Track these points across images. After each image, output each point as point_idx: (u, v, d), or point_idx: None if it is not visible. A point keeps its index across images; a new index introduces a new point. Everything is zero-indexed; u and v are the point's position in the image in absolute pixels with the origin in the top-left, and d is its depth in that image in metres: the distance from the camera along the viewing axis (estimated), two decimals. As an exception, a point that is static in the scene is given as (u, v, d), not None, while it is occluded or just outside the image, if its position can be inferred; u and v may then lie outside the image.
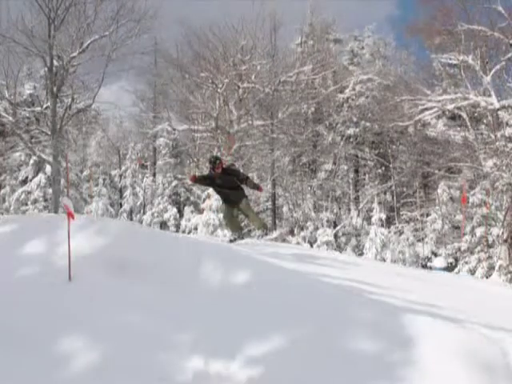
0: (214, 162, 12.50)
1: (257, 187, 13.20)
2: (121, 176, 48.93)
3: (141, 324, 5.56)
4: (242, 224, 14.04)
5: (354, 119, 41.92)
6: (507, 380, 4.53)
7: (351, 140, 42.32)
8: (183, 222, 36.13)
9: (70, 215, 6.47)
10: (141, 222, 39.70)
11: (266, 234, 12.50)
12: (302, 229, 36.73)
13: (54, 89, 25.96)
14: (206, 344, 5.22)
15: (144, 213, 43.05)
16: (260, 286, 6.19)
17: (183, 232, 33.34)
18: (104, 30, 26.58)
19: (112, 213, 43.99)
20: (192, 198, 39.78)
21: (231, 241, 12.49)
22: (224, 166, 12.84)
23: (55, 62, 26.05)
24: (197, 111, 37.05)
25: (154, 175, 46.19)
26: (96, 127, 49.97)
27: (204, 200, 33.30)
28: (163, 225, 39.14)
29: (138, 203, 45.80)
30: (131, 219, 43.77)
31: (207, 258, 6.80)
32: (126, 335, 5.35)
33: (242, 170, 13.86)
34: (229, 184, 12.55)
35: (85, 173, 48.16)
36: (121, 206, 47.06)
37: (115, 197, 49.37)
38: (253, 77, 35.47)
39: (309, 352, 5.10)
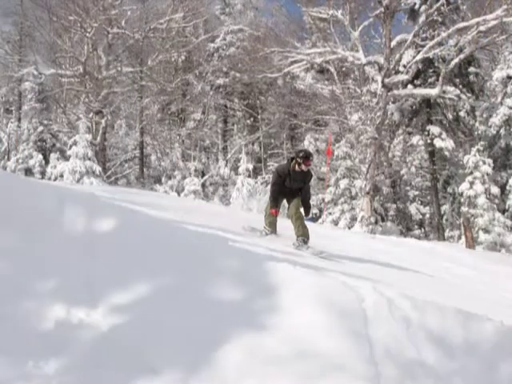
0: (308, 157, 10.81)
1: (308, 207, 11.10)
2: (-16, 121, 47.13)
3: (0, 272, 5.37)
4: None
5: (224, 69, 42.06)
6: (363, 324, 4.71)
7: (221, 90, 42.54)
8: (49, 169, 35.22)
9: None
10: (4, 168, 38.42)
11: (305, 243, 10.25)
12: (169, 178, 36.68)
13: None
14: (67, 292, 5.12)
15: (8, 159, 41.74)
16: (123, 234, 6.11)
17: (49, 179, 32.51)
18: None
19: (-26, 159, 42.50)
20: (58, 145, 38.71)
21: (264, 234, 11.02)
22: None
23: None
24: (64, 55, 36.07)
25: (19, 120, 44.78)
26: (-43, 69, 47.82)
27: (70, 147, 32.60)
28: (28, 172, 37.98)
29: (2, 149, 44.31)
30: (-6, 166, 42.38)
31: (70, 204, 6.62)
32: (-17, 284, 5.17)
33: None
34: (296, 186, 10.99)
35: None
36: (-17, 152, 45.38)
37: (-22, 142, 47.54)
38: (123, 22, 34.78)
39: (173, 300, 5.10)
